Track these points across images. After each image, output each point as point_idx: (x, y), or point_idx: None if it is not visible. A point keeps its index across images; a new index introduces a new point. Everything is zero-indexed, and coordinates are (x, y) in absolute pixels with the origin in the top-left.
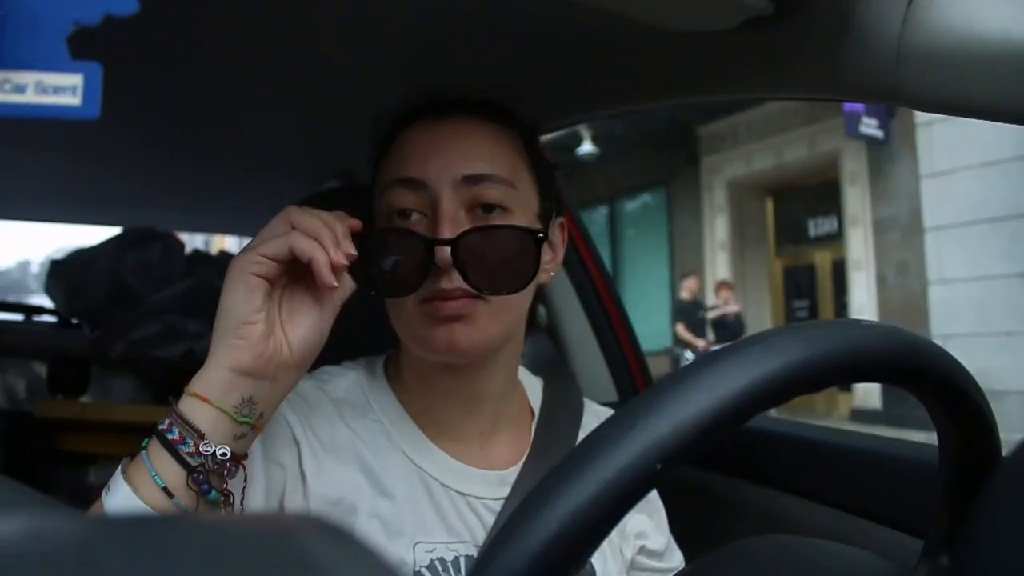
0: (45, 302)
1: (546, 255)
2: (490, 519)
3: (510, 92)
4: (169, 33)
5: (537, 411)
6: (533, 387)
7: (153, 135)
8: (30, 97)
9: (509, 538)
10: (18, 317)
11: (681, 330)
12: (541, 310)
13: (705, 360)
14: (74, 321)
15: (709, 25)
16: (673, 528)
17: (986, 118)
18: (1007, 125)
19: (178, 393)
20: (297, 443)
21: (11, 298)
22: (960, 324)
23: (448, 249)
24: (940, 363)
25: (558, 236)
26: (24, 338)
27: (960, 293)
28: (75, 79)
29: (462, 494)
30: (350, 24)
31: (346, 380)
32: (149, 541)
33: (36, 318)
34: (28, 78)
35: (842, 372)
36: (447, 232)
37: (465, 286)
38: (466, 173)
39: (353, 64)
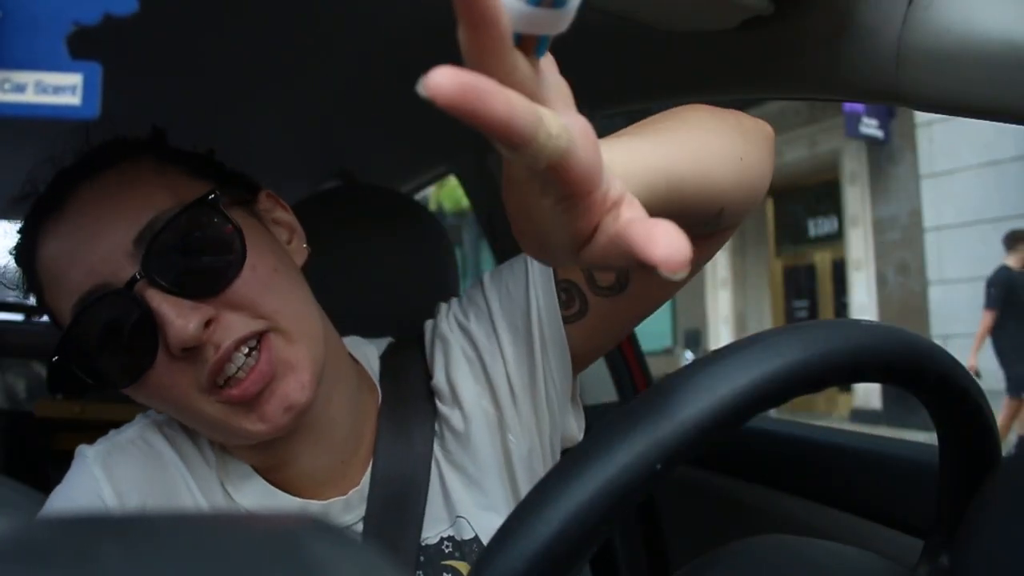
0: None
1: (282, 235)
2: None
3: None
4: (169, 33)
5: (380, 392)
6: (371, 363)
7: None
8: (30, 97)
9: (506, 540)
10: (18, 317)
11: (990, 319)
12: None
13: (705, 360)
14: None
15: (709, 25)
16: (673, 528)
17: (986, 118)
18: (1007, 125)
19: None
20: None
21: (11, 298)
22: (960, 324)
23: (143, 285)
24: (940, 363)
25: (278, 210)
26: (24, 338)
27: (960, 293)
28: (75, 79)
29: None
30: (350, 24)
31: (189, 433)
32: (149, 542)
33: (36, 318)
34: (28, 78)
35: (842, 372)
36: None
37: (236, 336)
38: (131, 237)
39: (353, 64)
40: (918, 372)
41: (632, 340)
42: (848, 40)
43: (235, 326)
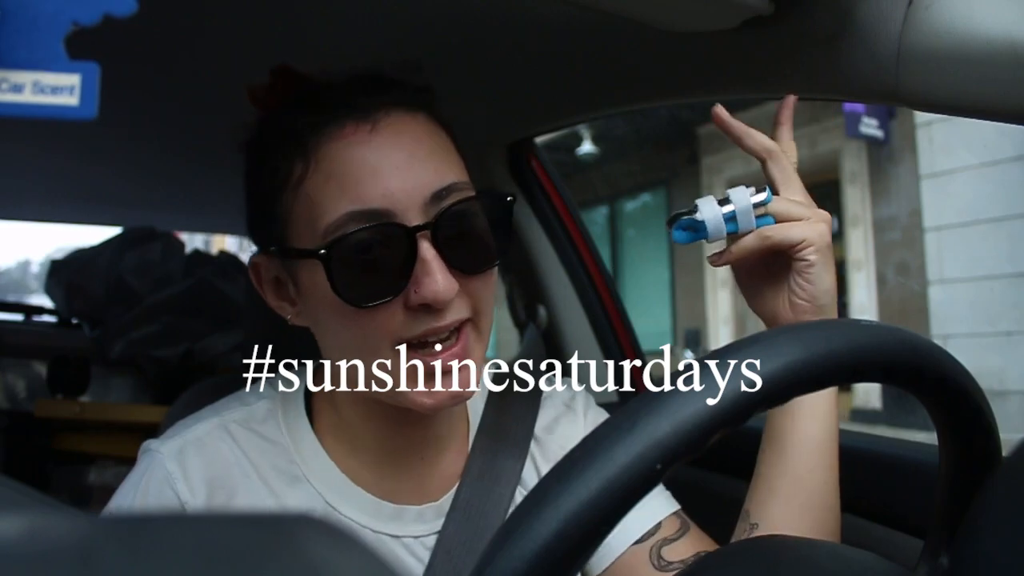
0: (45, 302)
1: None
2: (427, 557)
3: (404, 61)
4: (168, 33)
5: (477, 415)
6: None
7: (153, 135)
8: (27, 97)
9: (506, 541)
10: (18, 317)
11: None
12: (541, 310)
13: (705, 360)
14: (74, 321)
15: (709, 25)
16: None
17: (986, 118)
18: (1007, 125)
19: (177, 393)
20: None
21: (11, 298)
22: (960, 324)
23: (428, 235)
24: (940, 363)
25: None
26: (24, 338)
27: (960, 293)
28: (73, 79)
29: (395, 536)
30: (349, 24)
31: (261, 422)
32: (149, 541)
33: (36, 318)
34: (26, 78)
35: (842, 372)
36: (427, 271)
37: (459, 316)
38: (434, 189)
39: (354, 65)
40: (918, 372)
41: (632, 340)
42: (848, 40)
43: (462, 307)
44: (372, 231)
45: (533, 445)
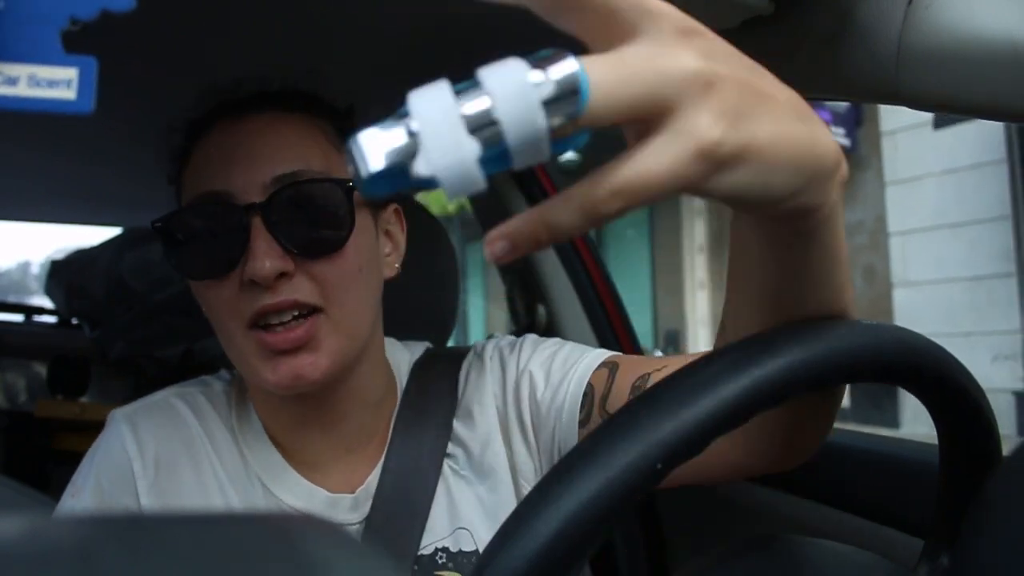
0: (45, 302)
1: (385, 246)
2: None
3: (318, 76)
4: (167, 30)
5: (399, 398)
6: (401, 368)
7: (153, 135)
8: (22, 90)
9: (508, 539)
10: (18, 317)
11: None
12: (541, 309)
13: (705, 360)
14: (74, 321)
15: (709, 25)
16: (673, 528)
17: (986, 118)
18: (967, 134)
19: None
20: (135, 478)
21: (11, 298)
22: (923, 325)
23: (259, 214)
24: (939, 363)
25: (395, 225)
26: (24, 338)
27: (923, 295)
28: (70, 72)
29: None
30: (350, 23)
31: (216, 400)
32: (149, 541)
33: (36, 318)
34: (21, 71)
35: (842, 372)
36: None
37: (296, 297)
38: (275, 174)
39: (353, 63)
40: (918, 372)
41: (632, 340)
42: (848, 40)
43: (301, 290)
44: (202, 208)
45: (456, 414)
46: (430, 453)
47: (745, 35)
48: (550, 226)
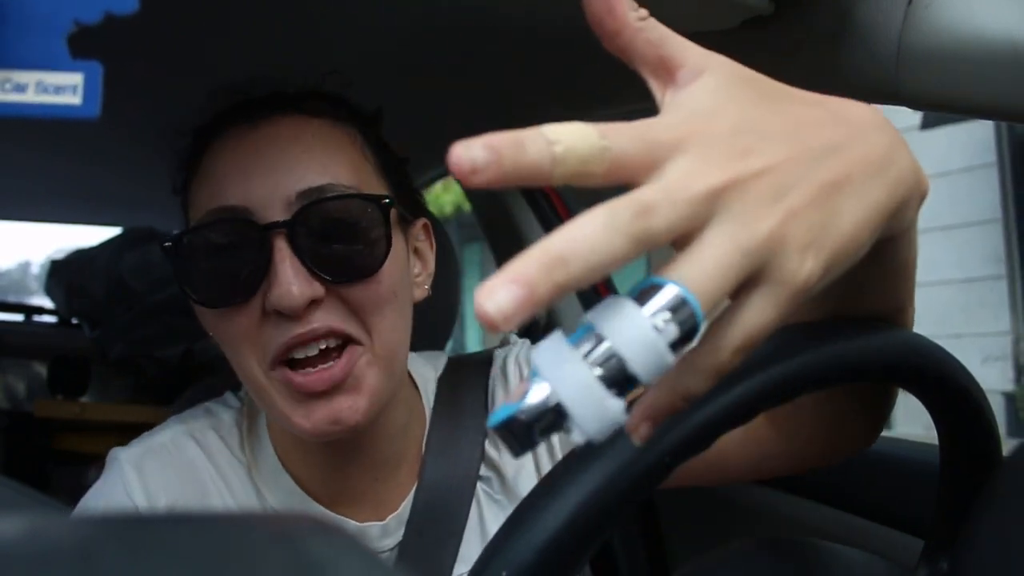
0: (45, 302)
1: (415, 266)
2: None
3: (340, 77)
4: (170, 32)
5: (428, 419)
6: (427, 385)
7: (154, 135)
8: (30, 97)
9: (513, 534)
10: (18, 317)
11: None
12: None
13: None
14: (74, 321)
15: (709, 25)
16: (673, 528)
17: (986, 117)
18: (956, 137)
19: (177, 393)
20: None
21: (11, 298)
22: (915, 326)
23: (284, 234)
24: (940, 363)
25: (425, 242)
26: (24, 338)
27: (915, 297)
28: (76, 78)
29: None
30: (352, 22)
31: (227, 433)
32: (149, 541)
33: (36, 318)
34: (29, 77)
35: (843, 372)
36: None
37: (330, 324)
38: (300, 188)
39: (354, 63)
40: (919, 372)
41: None
42: (848, 40)
43: (334, 316)
44: (215, 226)
45: (488, 435)
46: (464, 476)
47: (745, 35)
48: (687, 396)
